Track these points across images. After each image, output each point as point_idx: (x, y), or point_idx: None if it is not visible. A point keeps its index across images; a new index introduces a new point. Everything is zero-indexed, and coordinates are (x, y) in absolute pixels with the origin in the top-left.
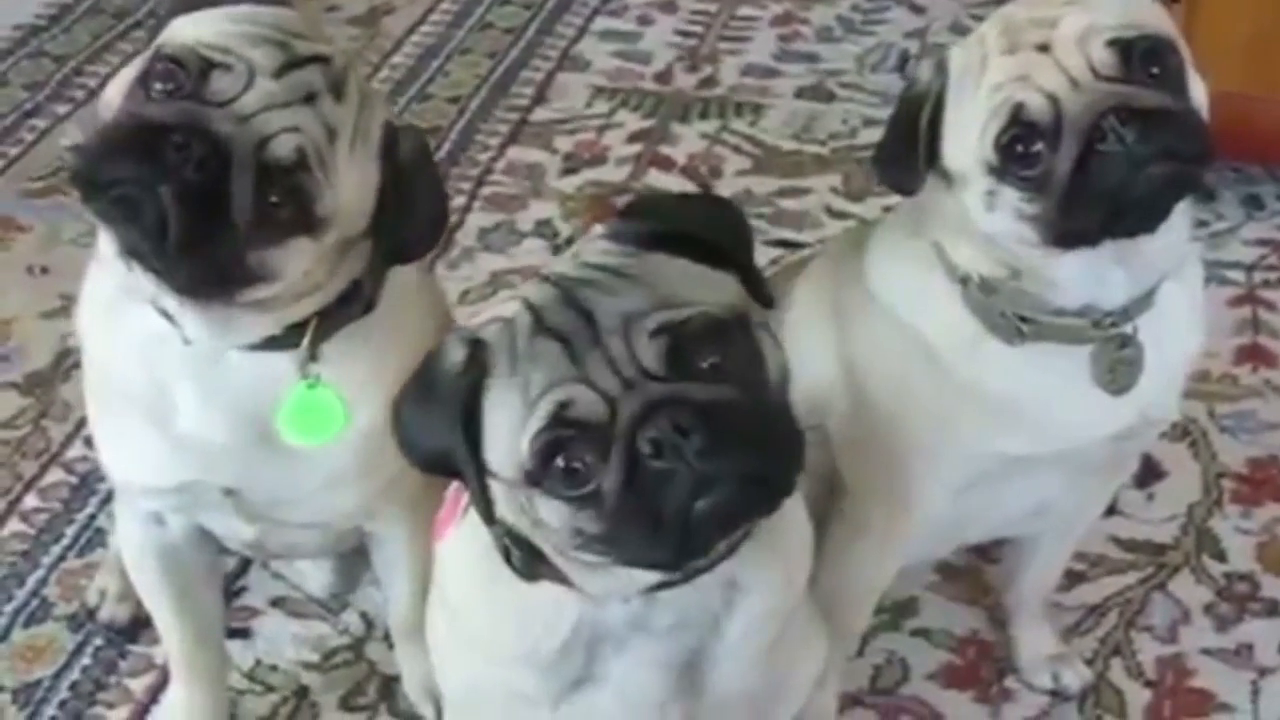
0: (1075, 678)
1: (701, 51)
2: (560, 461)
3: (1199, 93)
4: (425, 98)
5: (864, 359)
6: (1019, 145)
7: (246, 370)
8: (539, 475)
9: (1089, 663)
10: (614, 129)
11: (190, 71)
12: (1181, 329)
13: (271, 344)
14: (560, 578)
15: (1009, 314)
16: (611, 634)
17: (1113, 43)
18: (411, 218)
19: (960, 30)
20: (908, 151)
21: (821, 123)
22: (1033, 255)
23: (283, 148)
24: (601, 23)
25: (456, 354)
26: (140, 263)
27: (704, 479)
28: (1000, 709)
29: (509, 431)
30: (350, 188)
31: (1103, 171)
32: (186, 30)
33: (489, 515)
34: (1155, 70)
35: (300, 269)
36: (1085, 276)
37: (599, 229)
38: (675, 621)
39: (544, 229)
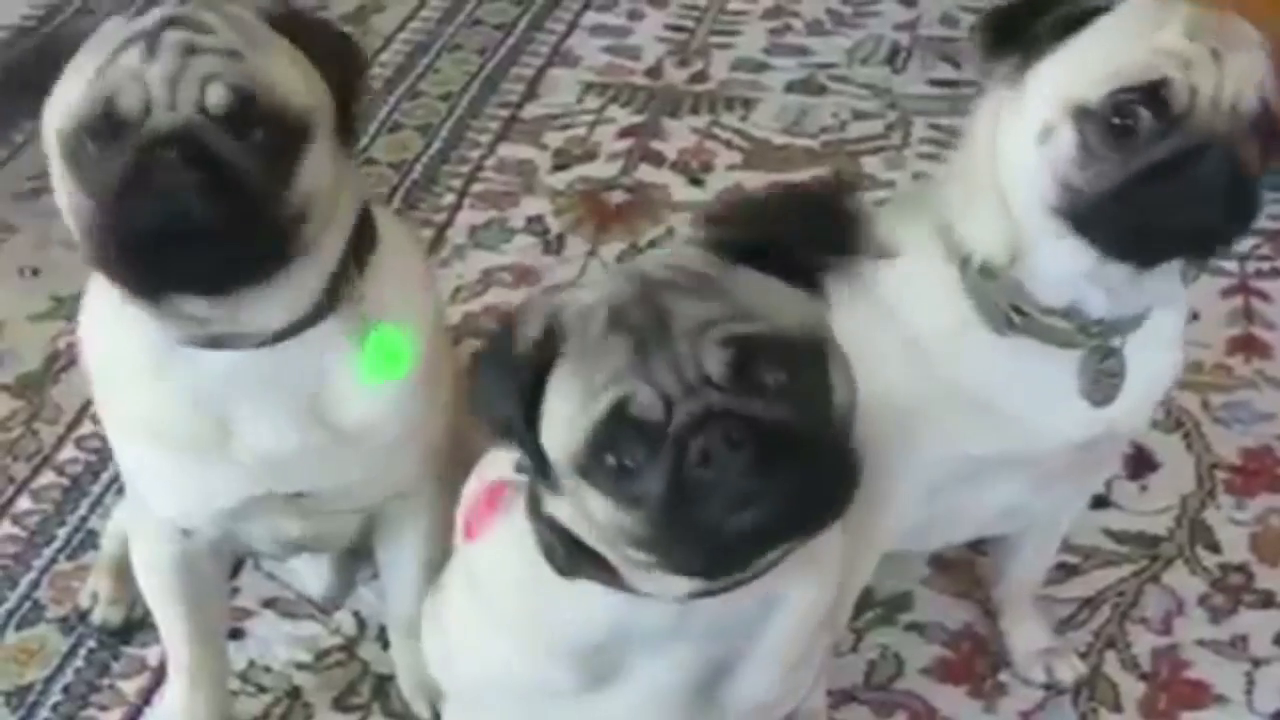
0: (1068, 671)
1: (692, 46)
2: (610, 457)
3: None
4: (415, 95)
5: (847, 349)
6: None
7: (296, 365)
8: (588, 467)
9: (1083, 656)
10: (605, 124)
11: (104, 117)
12: (1161, 351)
13: (318, 314)
14: (602, 576)
15: (1003, 302)
16: (646, 635)
17: None
18: (322, 41)
19: (951, 22)
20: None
21: (812, 116)
22: (1032, 231)
23: (217, 94)
24: (591, 18)
25: (534, 328)
26: (204, 285)
27: (747, 495)
28: (995, 703)
29: (567, 418)
30: (289, 73)
31: None
32: (65, 103)
33: (547, 477)
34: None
35: (326, 177)
36: (1065, 281)
37: (690, 235)
38: (710, 628)
39: (535, 225)
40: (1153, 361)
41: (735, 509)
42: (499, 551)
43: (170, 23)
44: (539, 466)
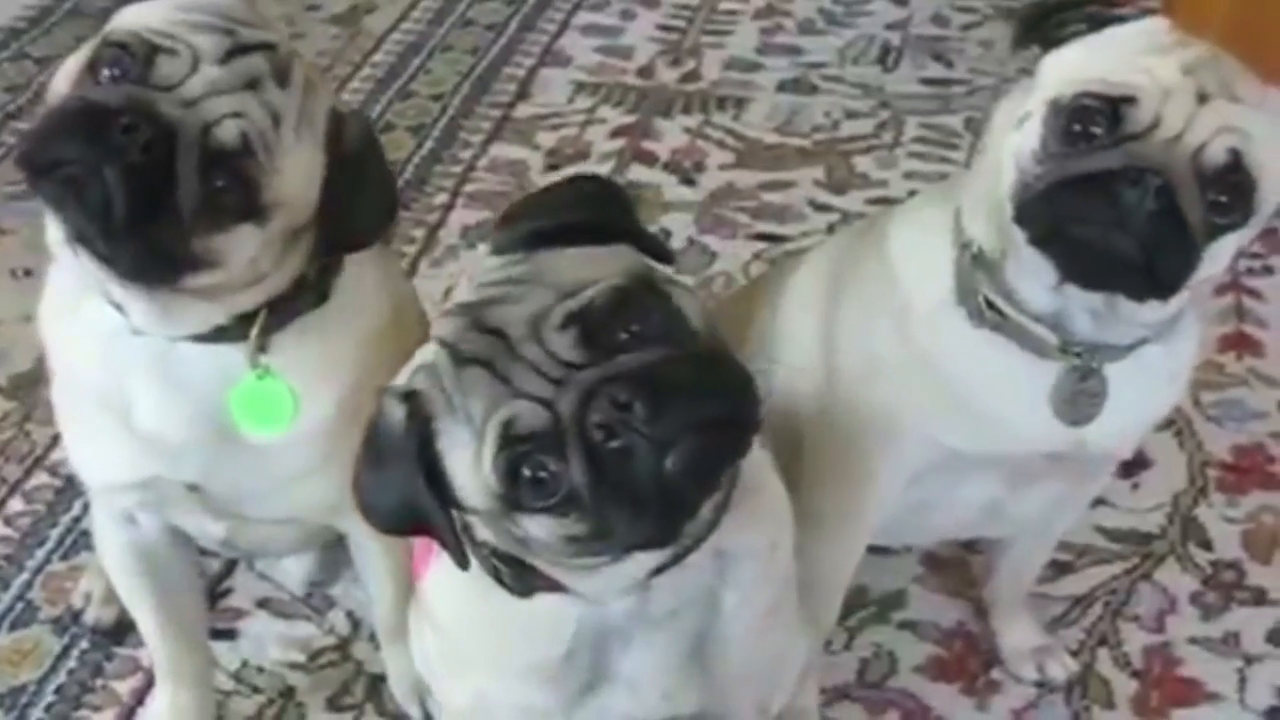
0: (1060, 669)
1: (684, 46)
2: (527, 473)
3: None
4: (407, 95)
5: (843, 328)
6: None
7: (200, 363)
8: (513, 496)
9: (1075, 653)
10: (596, 124)
11: (136, 56)
12: (1157, 384)
13: (220, 335)
14: (556, 586)
15: (982, 293)
16: (615, 631)
17: None
18: (359, 204)
19: (942, 21)
20: None
21: (804, 116)
22: (1006, 222)
23: (227, 133)
24: (583, 18)
25: (396, 412)
26: (86, 247)
27: (662, 441)
28: (988, 701)
29: (470, 466)
30: (296, 174)
31: None
32: (134, 17)
33: (463, 558)
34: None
35: (245, 256)
36: (1041, 287)
37: (483, 247)
38: (674, 606)
39: None
40: (1142, 394)
41: (660, 457)
42: (446, 590)
43: (266, 50)
44: (453, 534)
